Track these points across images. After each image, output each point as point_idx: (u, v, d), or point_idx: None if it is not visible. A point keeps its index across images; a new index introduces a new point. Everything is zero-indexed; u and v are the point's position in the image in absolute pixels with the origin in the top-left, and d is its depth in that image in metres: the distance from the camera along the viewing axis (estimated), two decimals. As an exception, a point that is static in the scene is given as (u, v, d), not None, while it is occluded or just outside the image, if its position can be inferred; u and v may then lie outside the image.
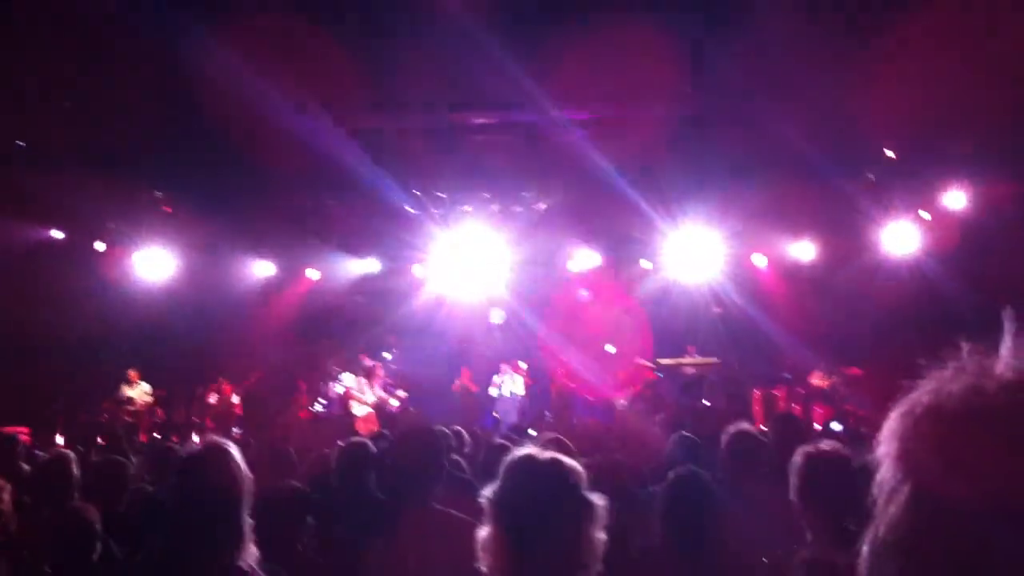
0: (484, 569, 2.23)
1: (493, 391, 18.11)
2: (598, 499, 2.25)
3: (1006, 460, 1.02)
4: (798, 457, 3.57)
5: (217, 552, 2.72)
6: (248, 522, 2.80)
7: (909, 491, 1.08)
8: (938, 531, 1.04)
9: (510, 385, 18.16)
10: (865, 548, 1.14)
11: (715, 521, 3.87)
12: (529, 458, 2.32)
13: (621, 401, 17.39)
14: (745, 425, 5.70)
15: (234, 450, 2.86)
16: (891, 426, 1.13)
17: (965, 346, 1.13)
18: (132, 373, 16.94)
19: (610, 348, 19.08)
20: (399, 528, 3.59)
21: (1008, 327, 1.12)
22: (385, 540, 3.56)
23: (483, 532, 2.25)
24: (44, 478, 5.28)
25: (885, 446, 1.13)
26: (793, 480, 3.52)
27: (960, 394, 1.07)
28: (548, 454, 2.35)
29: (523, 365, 18.65)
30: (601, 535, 2.22)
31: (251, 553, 2.79)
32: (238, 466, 2.82)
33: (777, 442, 6.17)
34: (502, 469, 2.32)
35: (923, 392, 1.11)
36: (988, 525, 1.01)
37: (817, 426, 14.07)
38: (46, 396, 15.95)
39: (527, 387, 18.40)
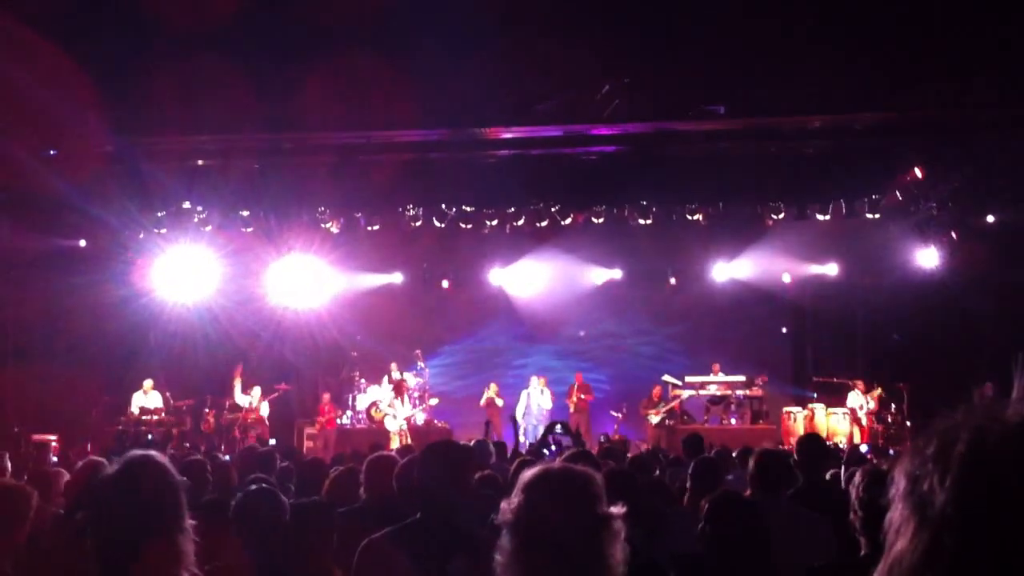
0: None
1: (520, 406, 18.01)
2: (617, 513, 2.22)
3: (1008, 503, 1.04)
4: (859, 475, 3.60)
5: (152, 563, 2.70)
6: (185, 528, 2.76)
7: (914, 528, 1.11)
8: (939, 569, 1.07)
9: (537, 399, 18.06)
10: None
11: (759, 537, 3.88)
12: (545, 472, 2.29)
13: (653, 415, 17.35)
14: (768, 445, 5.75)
15: (161, 461, 2.84)
16: (901, 465, 1.16)
17: (977, 390, 1.17)
18: (146, 382, 17.05)
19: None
20: (427, 545, 3.60)
21: (1019, 372, 1.16)
22: (410, 555, 3.57)
23: (501, 548, 2.23)
24: (78, 485, 5.36)
25: (895, 484, 1.16)
26: (854, 502, 3.54)
27: (967, 438, 1.10)
28: (564, 467, 2.33)
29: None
30: (620, 551, 2.19)
31: (189, 559, 2.76)
32: (164, 478, 2.79)
33: (803, 461, 6.16)
34: (519, 483, 2.29)
35: (933, 433, 1.14)
36: (991, 567, 1.04)
37: (844, 446, 13.96)
38: (77, 405, 16.09)
39: (581, 401, 18.29)
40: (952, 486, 1.08)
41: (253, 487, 4.56)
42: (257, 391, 17.70)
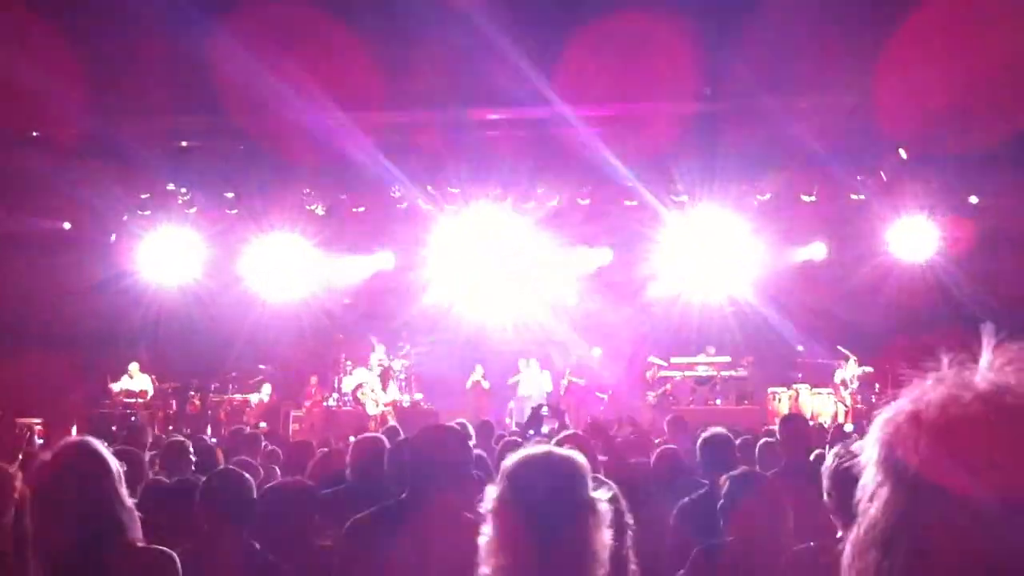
0: (488, 571, 2.17)
1: (522, 389, 17.98)
2: (603, 497, 2.20)
3: (978, 465, 1.07)
4: (831, 458, 3.60)
5: (94, 538, 2.90)
6: (127, 505, 2.97)
7: (888, 493, 1.14)
8: (913, 529, 1.11)
9: (537, 381, 18.04)
10: (847, 546, 1.20)
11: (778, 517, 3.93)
12: (528, 457, 2.26)
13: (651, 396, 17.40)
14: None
15: (95, 445, 3.01)
16: (873, 432, 1.19)
17: (945, 358, 1.20)
18: (132, 365, 17.00)
19: (596, 351, 19.00)
20: (413, 526, 3.61)
21: (987, 341, 1.19)
22: (399, 538, 3.57)
23: (485, 534, 2.20)
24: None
25: (868, 451, 1.19)
26: (825, 482, 3.54)
27: (938, 403, 1.13)
28: (548, 451, 2.30)
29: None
30: (607, 535, 2.16)
31: (133, 531, 2.97)
32: (99, 459, 2.96)
33: (786, 441, 6.20)
34: (502, 468, 2.26)
35: (904, 401, 1.17)
36: (961, 523, 1.07)
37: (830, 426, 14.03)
38: (60, 388, 16.02)
39: (556, 384, 18.33)
40: (924, 447, 1.11)
41: (219, 468, 4.58)
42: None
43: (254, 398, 17.66)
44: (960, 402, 1.12)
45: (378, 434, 5.79)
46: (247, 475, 4.08)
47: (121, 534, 2.91)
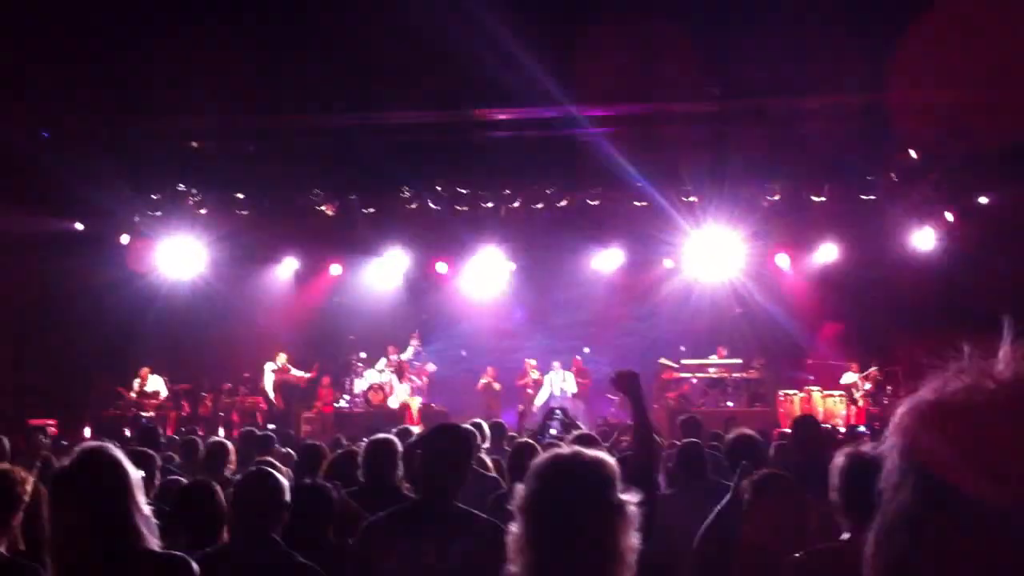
0: (515, 569, 2.19)
1: (544, 391, 17.95)
2: (631, 500, 2.19)
3: (1004, 451, 1.09)
4: (840, 458, 3.60)
5: (111, 544, 2.90)
6: (143, 511, 2.97)
7: (914, 481, 1.16)
8: (941, 516, 1.12)
9: (560, 383, 18.01)
10: (872, 534, 1.22)
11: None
12: (557, 457, 2.27)
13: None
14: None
15: (113, 451, 3.02)
16: (896, 421, 1.20)
17: (967, 349, 1.22)
18: (144, 370, 17.06)
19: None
20: (429, 527, 3.62)
21: (1007, 333, 1.21)
22: (415, 539, 3.58)
23: (512, 533, 2.21)
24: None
25: (891, 440, 1.21)
26: (834, 480, 3.54)
27: (962, 391, 1.15)
28: (576, 452, 2.29)
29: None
30: (634, 538, 2.16)
31: (149, 538, 2.96)
32: (113, 466, 2.96)
33: (798, 443, 6.19)
34: (531, 468, 2.28)
35: (927, 390, 1.19)
36: (987, 511, 1.08)
37: (842, 428, 14.01)
38: (73, 389, 16.09)
39: (580, 385, 18.33)
40: (951, 438, 1.12)
41: (252, 469, 4.59)
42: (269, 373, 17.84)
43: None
44: (984, 390, 1.13)
45: (390, 435, 5.79)
46: (281, 476, 4.10)
47: (137, 539, 2.91)
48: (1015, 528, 1.07)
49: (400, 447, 5.27)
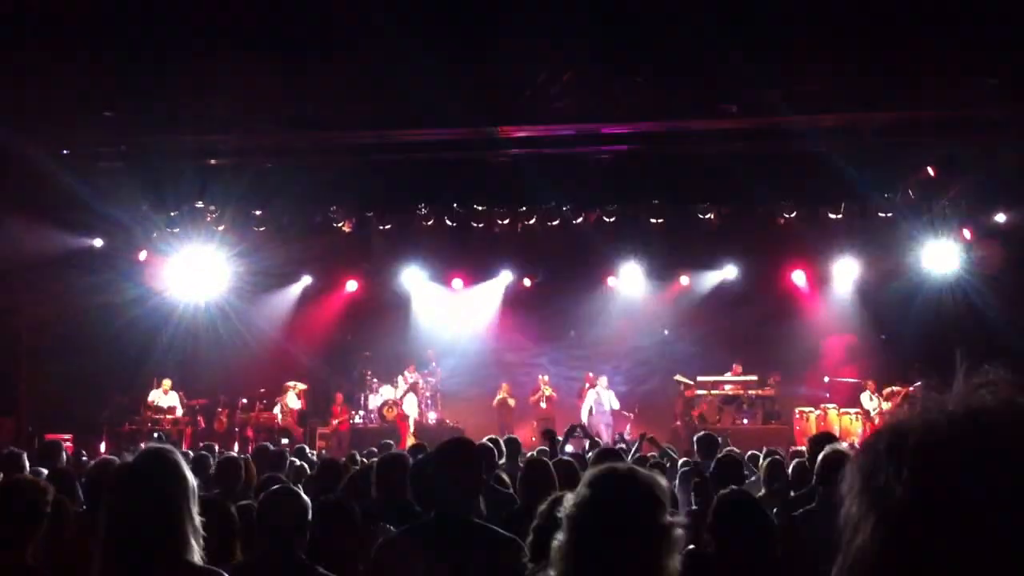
0: (555, 574, 2.21)
1: (586, 406, 17.89)
2: (678, 523, 2.21)
3: (954, 492, 1.08)
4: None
5: (156, 552, 2.84)
6: (194, 523, 2.91)
7: (873, 522, 1.15)
8: (900, 559, 1.11)
9: (604, 398, 17.92)
10: (835, 573, 1.21)
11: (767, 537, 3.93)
12: (613, 470, 2.29)
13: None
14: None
15: (176, 455, 2.99)
16: (854, 462, 1.20)
17: (922, 382, 1.22)
18: (165, 382, 17.13)
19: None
20: (444, 543, 3.61)
21: (959, 365, 1.22)
22: (427, 553, 3.58)
23: (557, 541, 2.23)
24: (95, 482, 5.41)
25: (849, 480, 1.20)
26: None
27: (915, 428, 1.15)
28: (631, 469, 2.32)
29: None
30: (677, 562, 2.18)
31: (195, 550, 2.90)
32: (175, 471, 2.93)
33: (815, 461, 6.15)
34: (585, 479, 2.29)
35: (883, 429, 1.19)
36: (944, 555, 1.07)
37: (858, 445, 13.92)
38: (90, 404, 16.16)
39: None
40: (908, 478, 1.11)
41: (276, 487, 4.60)
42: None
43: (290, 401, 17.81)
44: (939, 428, 1.13)
45: (402, 451, 5.81)
46: (302, 493, 4.11)
47: (184, 548, 2.87)
48: (972, 572, 1.06)
49: (411, 462, 5.27)
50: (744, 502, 4.26)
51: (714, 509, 4.13)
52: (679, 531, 2.20)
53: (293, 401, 17.95)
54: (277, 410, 17.79)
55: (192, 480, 2.96)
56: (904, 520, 1.10)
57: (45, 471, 6.54)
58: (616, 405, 17.83)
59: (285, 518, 3.87)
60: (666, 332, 19.35)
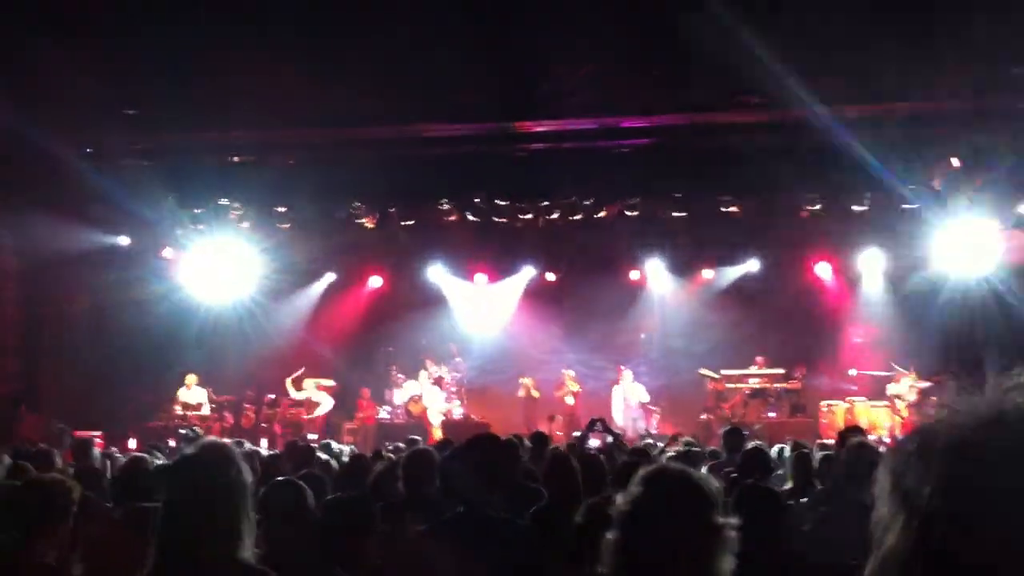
0: (606, 571, 2.23)
1: (617, 401, 17.89)
2: (731, 523, 2.22)
3: (984, 494, 1.10)
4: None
5: (211, 547, 2.82)
6: (250, 519, 2.90)
7: (903, 523, 1.15)
8: (927, 558, 1.12)
9: (633, 392, 17.94)
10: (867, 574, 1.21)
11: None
12: (665, 470, 2.32)
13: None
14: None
15: (234, 451, 2.97)
16: (884, 464, 1.20)
17: (953, 383, 1.22)
18: (189, 377, 17.25)
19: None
20: (468, 536, 3.63)
21: (990, 366, 1.22)
22: (455, 547, 3.59)
23: (608, 537, 2.25)
24: (124, 480, 5.46)
25: (880, 481, 1.20)
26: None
27: (946, 433, 1.15)
28: (685, 469, 2.34)
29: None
30: (729, 561, 2.19)
31: (248, 548, 2.88)
32: (234, 465, 2.91)
33: (845, 454, 6.14)
34: (638, 478, 2.31)
35: (914, 431, 1.19)
36: (973, 560, 1.09)
37: (886, 439, 13.85)
38: (117, 401, 16.28)
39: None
40: (937, 479, 1.12)
41: (279, 479, 4.64)
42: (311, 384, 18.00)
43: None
44: (964, 428, 1.15)
45: (429, 447, 5.82)
46: (306, 488, 4.13)
47: (239, 546, 2.85)
48: (999, 574, 1.07)
49: (437, 458, 5.29)
50: (762, 494, 4.25)
51: (734, 500, 4.14)
52: (732, 532, 2.21)
53: (317, 395, 18.06)
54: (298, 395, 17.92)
55: (249, 476, 2.94)
56: (932, 521, 1.11)
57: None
58: (645, 398, 17.79)
59: (285, 512, 3.89)
60: (643, 336, 19.25)
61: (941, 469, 1.13)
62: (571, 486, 4.81)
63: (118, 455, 9.00)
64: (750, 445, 7.48)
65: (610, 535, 2.25)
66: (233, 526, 2.84)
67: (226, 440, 3.08)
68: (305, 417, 17.77)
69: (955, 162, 15.38)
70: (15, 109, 13.14)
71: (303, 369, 18.10)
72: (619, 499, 2.29)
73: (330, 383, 18.44)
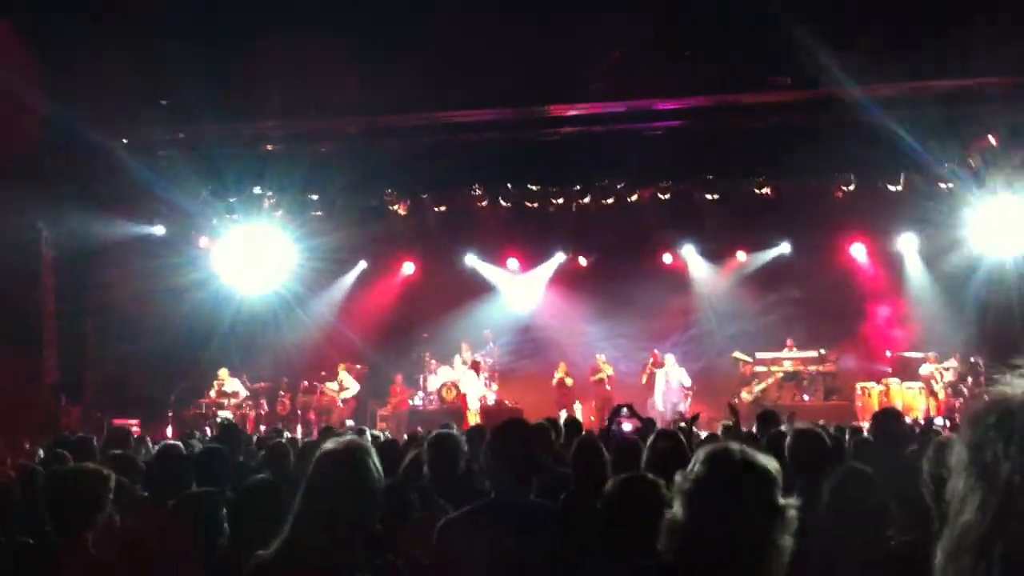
0: (663, 550, 2.28)
1: (660, 384, 17.87)
2: (792, 503, 2.25)
3: None
4: (931, 448, 3.57)
5: (344, 545, 2.89)
6: (374, 515, 2.98)
7: (980, 497, 1.13)
8: (1006, 534, 1.09)
9: (676, 376, 17.87)
10: (940, 552, 1.19)
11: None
12: (727, 450, 2.33)
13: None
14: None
15: (371, 451, 3.03)
16: (962, 437, 1.18)
17: (980, 357, 1.20)
18: (221, 372, 17.43)
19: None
20: (500, 521, 3.64)
21: None
22: (488, 532, 3.61)
23: (670, 514, 2.30)
24: (160, 467, 5.53)
25: (957, 455, 1.18)
26: (926, 468, 3.49)
27: (1022, 406, 1.12)
28: (744, 450, 2.35)
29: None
30: (789, 540, 2.21)
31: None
32: (372, 458, 2.99)
33: (878, 437, 6.08)
34: (700, 457, 2.34)
35: (990, 402, 1.17)
36: None
37: (921, 420, 13.72)
38: (154, 389, 16.45)
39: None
40: (1018, 457, 1.10)
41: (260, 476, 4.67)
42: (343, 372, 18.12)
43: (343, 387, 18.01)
44: None
45: (452, 431, 5.82)
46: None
47: (376, 551, 2.95)
48: None
49: (463, 442, 5.30)
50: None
51: None
52: (793, 512, 2.23)
53: (348, 381, 18.18)
54: (334, 386, 18.05)
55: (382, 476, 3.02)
56: (1011, 495, 1.10)
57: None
58: (687, 382, 17.72)
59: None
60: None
61: (1020, 444, 1.11)
62: (598, 471, 4.80)
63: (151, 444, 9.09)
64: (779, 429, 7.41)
65: (672, 512, 2.29)
66: (365, 511, 2.94)
67: (357, 440, 3.14)
68: (339, 403, 17.90)
69: (992, 140, 15.16)
70: (52, 101, 13.30)
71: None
72: (678, 479, 2.32)
73: (358, 367, 18.54)
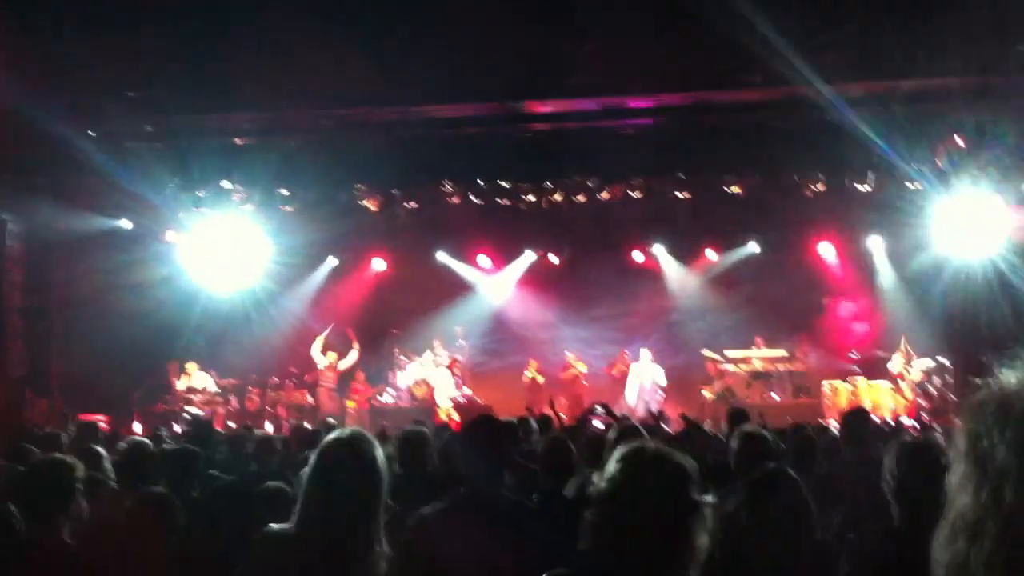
0: (587, 547, 2.28)
1: (633, 381, 17.88)
2: (706, 500, 2.27)
3: None
4: (893, 447, 3.60)
5: (356, 540, 2.93)
6: (380, 522, 3.01)
7: (976, 484, 1.15)
8: (1000, 518, 1.11)
9: (651, 374, 17.90)
10: (938, 536, 1.21)
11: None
12: (641, 449, 2.35)
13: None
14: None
15: (375, 443, 3.09)
16: (960, 425, 1.20)
17: (957, 363, 1.22)
18: (189, 366, 17.28)
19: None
20: (474, 517, 3.64)
21: (992, 346, 1.22)
22: (462, 529, 3.61)
23: (588, 514, 2.30)
24: (127, 464, 5.48)
25: (957, 443, 1.20)
26: (888, 461, 3.52)
27: (1022, 397, 1.14)
28: (660, 448, 2.38)
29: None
30: (704, 537, 2.23)
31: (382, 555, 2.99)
32: (378, 449, 3.06)
33: (847, 435, 6.14)
34: (616, 457, 2.35)
35: (989, 393, 1.18)
36: None
37: (890, 420, 13.84)
38: (121, 385, 16.32)
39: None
40: (1013, 442, 1.12)
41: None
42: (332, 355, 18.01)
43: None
44: None
45: (422, 428, 5.84)
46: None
47: (374, 542, 2.95)
48: None
49: (432, 438, 5.31)
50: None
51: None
52: (708, 509, 2.25)
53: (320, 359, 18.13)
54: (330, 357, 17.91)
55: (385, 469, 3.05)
56: (1005, 482, 1.11)
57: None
58: (662, 381, 17.79)
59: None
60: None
61: (1018, 434, 1.12)
62: (566, 468, 4.82)
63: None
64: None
65: (589, 513, 2.30)
66: (370, 523, 2.96)
67: (363, 433, 3.18)
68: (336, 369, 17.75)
69: (959, 140, 15.30)
70: (19, 91, 13.13)
71: (329, 328, 18.09)
72: (595, 478, 2.35)
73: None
